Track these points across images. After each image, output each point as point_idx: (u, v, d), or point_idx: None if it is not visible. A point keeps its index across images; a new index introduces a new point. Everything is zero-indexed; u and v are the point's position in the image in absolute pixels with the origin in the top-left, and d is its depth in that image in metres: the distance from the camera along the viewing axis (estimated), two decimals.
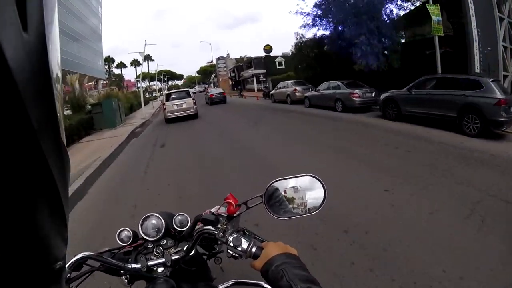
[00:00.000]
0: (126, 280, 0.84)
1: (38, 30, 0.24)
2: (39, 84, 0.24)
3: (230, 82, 47.85)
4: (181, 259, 0.83)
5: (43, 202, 0.25)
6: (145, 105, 19.36)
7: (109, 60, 56.45)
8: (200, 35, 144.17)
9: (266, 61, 32.54)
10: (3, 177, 0.21)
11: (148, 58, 57.58)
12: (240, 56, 53.82)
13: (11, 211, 0.22)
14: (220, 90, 22.07)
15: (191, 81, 73.93)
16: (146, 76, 60.07)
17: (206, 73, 68.78)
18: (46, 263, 0.26)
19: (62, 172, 0.27)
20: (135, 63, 67.36)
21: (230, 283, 1.01)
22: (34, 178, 0.24)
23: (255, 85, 30.16)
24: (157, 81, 58.61)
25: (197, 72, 68.64)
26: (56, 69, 0.26)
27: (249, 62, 36.35)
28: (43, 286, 0.27)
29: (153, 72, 71.72)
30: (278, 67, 32.57)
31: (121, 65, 66.08)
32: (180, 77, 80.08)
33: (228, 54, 54.95)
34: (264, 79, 28.47)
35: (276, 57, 35.21)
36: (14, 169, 0.22)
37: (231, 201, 0.85)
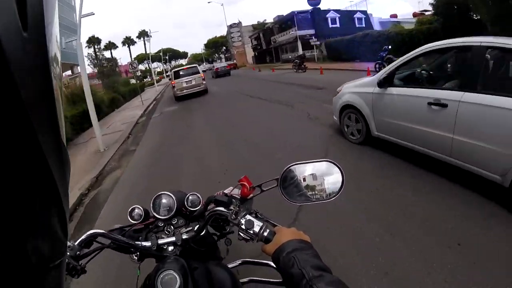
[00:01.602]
0: (136, 258, 0.88)
1: (38, 30, 0.24)
2: (39, 84, 0.24)
3: (253, 53, 44.38)
4: (192, 239, 0.86)
5: (43, 202, 0.26)
6: (140, 93, 17.53)
7: (94, 41, 48.11)
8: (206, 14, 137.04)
9: (314, 18, 24.33)
10: (2, 177, 0.22)
11: (143, 34, 54.21)
12: (259, 22, 50.15)
13: (11, 211, 0.23)
14: (223, 64, 25.63)
15: (196, 59, 72.49)
16: (144, 58, 57.62)
17: (217, 46, 65.43)
18: (45, 262, 0.27)
19: (62, 172, 0.28)
20: (128, 41, 61.00)
21: (239, 262, 1.03)
22: (34, 178, 0.24)
23: (301, 52, 22.00)
24: (161, 62, 56.84)
25: (205, 45, 66.01)
26: (56, 69, 0.27)
27: (284, 22, 28.98)
28: (42, 283, 0.27)
29: (153, 53, 65.18)
30: (331, 25, 25.07)
31: (111, 46, 58.22)
32: (184, 55, 77.68)
33: (239, 21, 52.06)
34: (318, 42, 22.77)
35: (328, 11, 26.00)
36: (13, 169, 0.22)
37: (245, 183, 0.87)
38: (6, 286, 0.24)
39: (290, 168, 0.83)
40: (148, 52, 31.15)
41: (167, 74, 48.02)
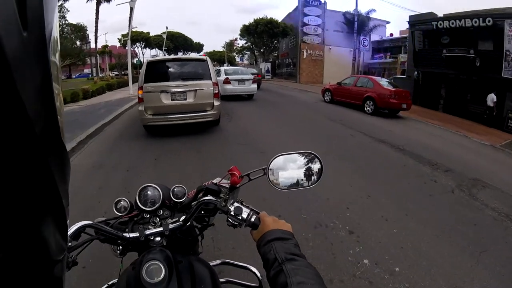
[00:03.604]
0: (118, 251, 0.96)
1: (38, 30, 0.24)
2: (39, 84, 0.25)
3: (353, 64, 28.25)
4: (178, 229, 0.97)
5: (43, 202, 0.27)
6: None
7: None
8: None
9: None
10: (3, 177, 0.23)
11: None
12: (357, 10, 28.92)
13: (11, 211, 0.24)
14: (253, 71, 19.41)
15: (213, 57, 56.99)
16: (137, 38, 44.09)
17: (263, 34, 33.84)
18: (46, 261, 0.30)
19: (62, 172, 0.29)
20: None
21: (219, 261, 1.22)
22: (34, 177, 0.25)
23: None
24: (161, 50, 42.64)
25: (241, 31, 36.56)
26: (55, 68, 0.29)
27: None
28: (44, 281, 0.30)
29: (153, 35, 50.12)
30: None
31: None
32: (197, 47, 60.74)
33: (324, 1, 32.53)
34: None
35: None
36: (14, 169, 0.23)
37: (235, 172, 1.00)
38: (14, 278, 0.26)
39: (276, 158, 0.98)
40: (130, 24, 18.97)
41: None
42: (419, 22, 17.54)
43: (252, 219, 0.88)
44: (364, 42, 29.20)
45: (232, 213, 0.89)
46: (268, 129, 8.01)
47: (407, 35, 21.49)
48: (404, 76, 20.09)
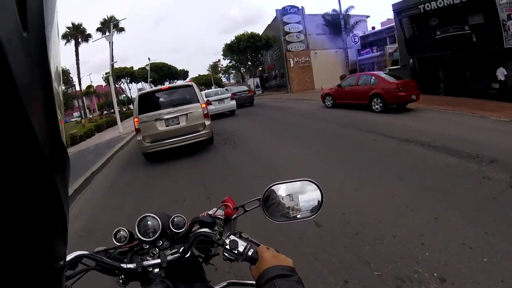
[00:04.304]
0: (121, 281, 0.94)
1: (38, 30, 0.24)
2: (39, 84, 0.25)
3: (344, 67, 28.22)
4: (177, 261, 0.95)
5: (43, 203, 0.27)
6: None
7: None
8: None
9: None
10: (3, 178, 0.23)
11: (108, 25, 26.10)
12: (334, 10, 29.85)
13: (11, 212, 0.24)
14: (240, 89, 20.35)
15: (199, 82, 56.88)
16: (122, 74, 43.38)
17: (247, 50, 32.28)
18: (47, 262, 0.29)
19: (62, 172, 0.29)
20: (75, 33, 35.89)
21: (225, 283, 1.14)
22: (34, 178, 0.25)
23: None
24: (146, 82, 41.13)
25: (223, 50, 35.64)
26: (56, 69, 0.29)
27: None
28: (44, 285, 0.29)
29: (137, 69, 49.17)
30: None
31: None
32: (182, 74, 58.98)
33: (301, 7, 32.11)
34: None
35: None
36: (14, 170, 0.23)
37: (228, 203, 0.95)
38: (13, 283, 0.26)
39: (272, 188, 0.93)
40: (111, 58, 12.06)
41: None
42: (405, 9, 16.81)
43: (250, 253, 0.82)
44: (354, 39, 28.61)
45: (227, 246, 0.85)
46: (280, 151, 6.78)
47: (391, 25, 21.02)
48: (399, 66, 19.31)
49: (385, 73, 12.89)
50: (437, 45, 15.69)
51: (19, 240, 0.25)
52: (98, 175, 7.26)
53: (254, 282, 0.84)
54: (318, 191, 0.93)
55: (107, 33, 16.56)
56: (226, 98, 15.31)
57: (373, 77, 11.72)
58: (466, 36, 14.19)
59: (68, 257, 0.81)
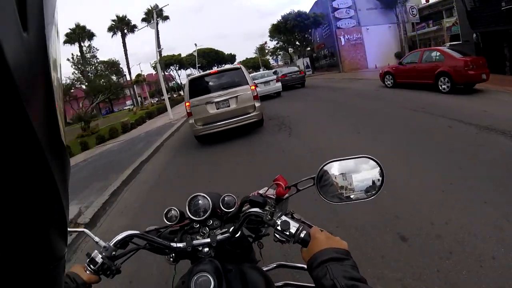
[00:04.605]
0: (171, 259, 0.97)
1: (38, 30, 0.25)
2: (39, 84, 0.25)
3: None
4: (227, 240, 0.94)
5: (43, 202, 0.27)
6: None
7: (80, 33, 33.22)
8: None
9: None
10: (3, 178, 0.23)
11: (151, 14, 28.45)
12: None
13: (11, 211, 0.24)
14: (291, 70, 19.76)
15: (247, 65, 54.51)
16: (170, 62, 44.24)
17: (295, 30, 32.63)
18: (46, 262, 0.29)
19: (62, 172, 0.29)
20: (120, 25, 36.25)
21: (274, 265, 1.13)
22: (34, 178, 0.26)
23: None
24: (195, 68, 40.63)
25: (270, 31, 35.80)
26: (56, 69, 0.29)
27: None
28: (44, 285, 0.29)
29: (184, 56, 49.79)
30: None
31: (79, 34, 34.72)
32: (230, 58, 58.21)
33: None
34: None
35: None
36: (14, 169, 0.24)
37: (280, 182, 0.91)
38: (13, 283, 0.26)
39: (327, 165, 0.87)
40: (158, 45, 12.56)
41: None
42: None
43: (302, 235, 0.78)
44: (412, 11, 25.28)
45: (278, 227, 0.81)
46: (343, 138, 5.89)
47: None
48: (460, 42, 17.29)
49: (449, 49, 11.52)
50: (502, 18, 13.57)
51: (18, 240, 0.25)
52: (147, 165, 7.07)
53: (304, 266, 0.79)
54: (376, 170, 0.84)
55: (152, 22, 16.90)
56: (272, 80, 15.59)
57: (439, 53, 10.30)
58: None
59: (119, 237, 0.84)
